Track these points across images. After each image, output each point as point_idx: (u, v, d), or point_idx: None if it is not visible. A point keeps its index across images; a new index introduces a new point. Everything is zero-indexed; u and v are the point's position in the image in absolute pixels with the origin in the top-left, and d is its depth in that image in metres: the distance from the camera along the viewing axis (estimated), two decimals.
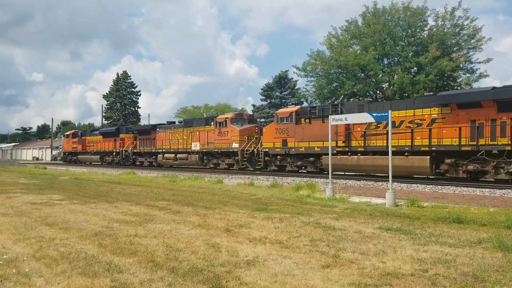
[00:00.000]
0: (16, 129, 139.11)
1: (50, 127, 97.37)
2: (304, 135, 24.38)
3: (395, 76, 34.13)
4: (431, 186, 17.15)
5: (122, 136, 42.51)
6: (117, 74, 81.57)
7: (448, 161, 18.73)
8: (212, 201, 12.92)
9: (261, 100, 64.04)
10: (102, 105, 79.98)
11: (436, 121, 19.18)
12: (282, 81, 62.11)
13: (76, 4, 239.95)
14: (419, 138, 19.55)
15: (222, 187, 17.76)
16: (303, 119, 24.83)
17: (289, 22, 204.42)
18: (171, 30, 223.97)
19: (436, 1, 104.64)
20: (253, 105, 67.64)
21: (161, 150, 36.88)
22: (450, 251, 6.53)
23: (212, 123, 31.77)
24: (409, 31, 35.41)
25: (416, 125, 19.74)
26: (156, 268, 5.66)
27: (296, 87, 59.22)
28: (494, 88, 18.04)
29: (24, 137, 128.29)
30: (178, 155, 34.56)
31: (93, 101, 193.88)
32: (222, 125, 30.62)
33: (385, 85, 36.83)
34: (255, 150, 28.25)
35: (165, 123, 39.72)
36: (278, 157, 26.44)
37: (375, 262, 5.95)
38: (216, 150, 31.02)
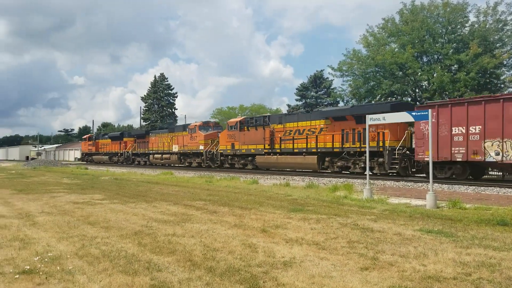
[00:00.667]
0: (59, 131, 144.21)
1: (91, 128, 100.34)
2: (245, 139, 30.87)
3: (434, 74, 33.23)
4: (473, 187, 16.60)
5: (125, 139, 50.54)
6: (155, 76, 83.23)
7: (327, 159, 25.26)
8: (248, 201, 12.96)
9: (296, 100, 63.92)
10: (141, 107, 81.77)
11: (322, 130, 25.55)
12: (317, 80, 61.71)
13: (114, 8, 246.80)
14: (313, 142, 25.85)
15: (257, 187, 17.80)
16: (245, 127, 31.04)
17: (323, 21, 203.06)
18: (206, 32, 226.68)
19: None
20: (288, 105, 67.63)
21: (151, 152, 44.83)
22: (495, 255, 6.29)
23: (187, 129, 38.58)
24: (449, 28, 34.42)
25: (311, 133, 26.09)
26: (194, 267, 5.72)
27: (331, 87, 58.69)
28: (352, 106, 26.49)
29: (66, 138, 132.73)
30: (164, 155, 42.14)
31: (131, 103, 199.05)
32: (193, 131, 37.60)
33: (425, 84, 35.93)
34: (215, 151, 34.98)
35: (157, 128, 49.63)
36: (229, 156, 33.14)
37: (416, 265, 5.81)
38: (189, 151, 38.13)
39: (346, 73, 38.52)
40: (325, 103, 59.59)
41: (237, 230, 8.29)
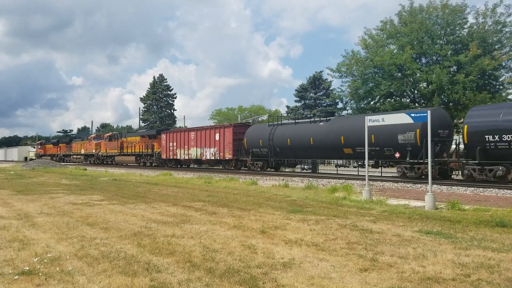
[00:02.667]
0: (58, 131, 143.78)
1: (90, 129, 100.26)
2: (111, 147, 52.17)
3: (433, 75, 33.25)
4: (472, 188, 16.63)
5: (60, 145, 67.36)
6: (154, 77, 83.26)
7: (141, 159, 45.62)
8: (247, 202, 12.97)
9: (295, 101, 63.94)
10: (140, 107, 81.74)
11: (138, 142, 46.13)
12: (316, 82, 61.76)
13: (113, 9, 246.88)
14: (135, 148, 46.37)
15: (256, 188, 17.80)
16: (111, 139, 52.65)
17: (323, 21, 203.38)
18: (205, 33, 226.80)
19: None
20: (287, 107, 67.66)
21: (72, 153, 63.47)
22: (494, 256, 6.31)
23: (88, 139, 59.74)
24: (448, 29, 34.43)
25: (134, 144, 46.58)
26: (193, 268, 5.72)
27: (331, 88, 58.74)
28: (146, 130, 58.09)
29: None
30: (77, 156, 61.38)
31: (130, 103, 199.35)
32: (90, 140, 58.69)
33: (423, 85, 35.94)
34: (99, 153, 54.67)
35: (77, 138, 69.60)
36: (105, 157, 53.30)
37: (415, 266, 5.82)
38: (89, 153, 57.92)
39: (345, 74, 38.52)
40: (324, 104, 59.70)
41: (236, 231, 8.30)
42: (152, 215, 10.46)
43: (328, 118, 27.17)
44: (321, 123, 26.79)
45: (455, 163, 20.57)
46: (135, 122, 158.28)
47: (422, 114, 12.61)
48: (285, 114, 58.73)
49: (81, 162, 59.24)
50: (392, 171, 26.69)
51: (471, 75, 30.91)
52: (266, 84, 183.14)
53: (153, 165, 43.15)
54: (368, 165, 17.08)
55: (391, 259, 6.19)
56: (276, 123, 30.77)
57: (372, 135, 21.32)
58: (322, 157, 30.50)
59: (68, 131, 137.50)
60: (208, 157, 35.65)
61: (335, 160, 35.17)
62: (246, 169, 32.36)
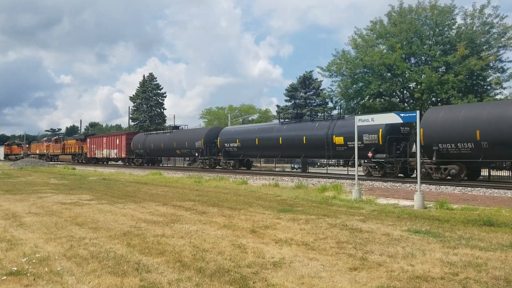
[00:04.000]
0: (46, 131, 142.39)
1: (79, 128, 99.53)
2: (56, 147, 63.38)
3: (422, 76, 33.51)
4: (460, 188, 16.80)
5: (67, 142, 67.28)
6: (143, 76, 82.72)
7: (76, 158, 58.93)
8: (237, 202, 12.97)
9: (286, 101, 64.03)
10: (129, 106, 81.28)
11: (74, 144, 59.04)
12: (306, 81, 61.89)
13: (102, 7, 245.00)
14: (72, 149, 59.43)
15: (246, 188, 17.81)
16: (56, 142, 63.99)
17: (313, 21, 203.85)
18: (195, 32, 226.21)
19: None
20: (278, 106, 67.72)
21: (31, 153, 72.94)
22: (481, 255, 6.38)
23: (41, 141, 72.88)
24: (437, 30, 34.74)
25: (72, 145, 59.58)
26: (183, 268, 5.71)
27: (321, 88, 58.91)
28: (79, 135, 69.58)
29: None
30: (36, 155, 69.89)
31: (119, 102, 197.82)
32: (42, 142, 70.79)
33: (413, 85, 36.21)
34: (49, 153, 65.43)
35: (35, 141, 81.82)
36: (54, 156, 64.42)
37: (404, 265, 5.86)
38: (41, 153, 68.12)
39: (335, 74, 38.66)
40: (314, 104, 59.86)
41: (226, 231, 8.29)
42: (142, 215, 10.41)
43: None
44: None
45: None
46: (124, 121, 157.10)
47: (411, 114, 12.71)
48: (275, 114, 58.75)
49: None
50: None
51: (460, 75, 31.20)
52: (256, 84, 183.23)
53: (83, 162, 56.07)
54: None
55: (381, 258, 6.24)
56: (149, 133, 45.62)
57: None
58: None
59: (57, 130, 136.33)
60: (113, 156, 49.79)
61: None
62: (138, 165, 44.71)
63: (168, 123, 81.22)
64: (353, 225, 8.87)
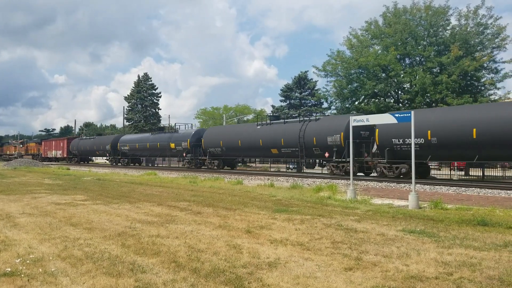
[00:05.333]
0: (40, 131, 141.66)
1: (73, 128, 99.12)
2: (24, 149, 75.13)
3: (416, 77, 33.64)
4: (454, 188, 16.87)
5: (29, 144, 77.15)
6: (138, 76, 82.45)
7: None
8: (232, 202, 12.96)
9: (281, 101, 64.04)
10: (124, 106, 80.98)
11: (34, 147, 72.85)
12: (301, 81, 61.92)
13: (96, 7, 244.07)
14: (33, 150, 72.33)
15: (242, 188, 17.80)
16: (23, 144, 77.53)
17: (308, 21, 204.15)
18: (190, 32, 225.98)
19: (458, 0, 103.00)
20: (273, 106, 67.67)
21: (3, 154, 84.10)
22: (475, 254, 6.41)
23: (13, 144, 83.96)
24: (431, 31, 34.88)
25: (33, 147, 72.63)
26: (178, 269, 5.70)
27: (316, 88, 58.96)
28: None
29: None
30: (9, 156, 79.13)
31: (114, 102, 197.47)
32: (14, 144, 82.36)
33: (407, 86, 36.34)
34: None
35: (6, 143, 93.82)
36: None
37: (399, 265, 5.88)
38: (18, 154, 75.65)
39: (330, 74, 38.73)
40: (310, 104, 59.90)
41: (221, 231, 8.28)
42: (137, 215, 10.38)
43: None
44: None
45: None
46: (119, 121, 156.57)
47: (406, 115, 12.77)
48: (270, 114, 58.82)
49: (7, 160, 75.57)
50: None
51: (454, 75, 31.33)
52: (251, 84, 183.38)
53: (39, 160, 61.61)
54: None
55: (375, 258, 6.25)
56: (82, 138, 58.96)
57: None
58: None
59: (51, 130, 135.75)
60: (58, 156, 62.40)
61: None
62: (75, 162, 57.58)
63: (163, 123, 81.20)
64: (348, 225, 8.89)
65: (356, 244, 7.10)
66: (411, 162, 12.33)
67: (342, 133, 23.87)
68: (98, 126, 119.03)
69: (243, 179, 22.39)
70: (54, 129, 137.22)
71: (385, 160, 21.68)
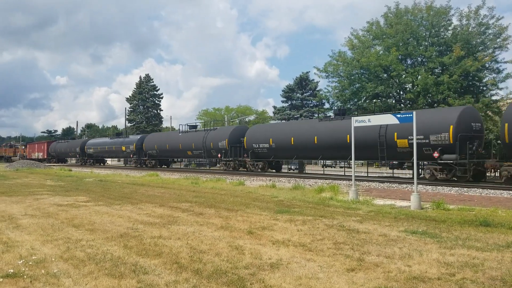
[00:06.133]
0: (42, 132, 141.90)
1: (75, 129, 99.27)
2: (12, 151, 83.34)
3: (418, 77, 33.58)
4: (456, 188, 16.85)
5: (17, 148, 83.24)
6: (140, 77, 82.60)
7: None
8: (234, 203, 12.96)
9: (282, 102, 64.02)
10: (126, 108, 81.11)
11: (22, 149, 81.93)
12: (303, 82, 61.91)
13: (97, 8, 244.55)
14: (21, 152, 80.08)
15: (243, 189, 17.80)
16: (12, 147, 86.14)
17: (309, 22, 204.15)
18: (191, 33, 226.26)
19: (460, 0, 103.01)
20: (274, 107, 67.67)
21: (12, 155, 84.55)
22: (478, 255, 6.40)
23: (11, 146, 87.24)
24: (433, 31, 34.80)
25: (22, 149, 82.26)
26: (180, 270, 5.70)
27: (317, 89, 58.94)
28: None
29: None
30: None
31: (116, 103, 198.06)
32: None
33: (409, 86, 36.27)
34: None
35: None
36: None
37: (401, 265, 5.88)
38: (9, 156, 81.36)
39: (332, 75, 38.68)
40: (311, 105, 59.88)
41: (223, 232, 8.29)
42: (139, 216, 10.39)
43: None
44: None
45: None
46: (121, 122, 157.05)
47: (408, 115, 12.77)
48: (272, 115, 58.87)
49: None
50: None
51: (455, 75, 31.27)
52: (253, 85, 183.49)
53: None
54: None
55: (378, 259, 6.25)
56: (59, 142, 69.88)
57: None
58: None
59: (53, 131, 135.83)
60: (40, 157, 69.35)
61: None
62: (54, 162, 65.28)
63: (165, 124, 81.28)
64: (350, 226, 8.88)
65: (358, 245, 7.10)
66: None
67: (227, 140, 32.43)
68: (100, 127, 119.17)
69: (245, 180, 22.39)
70: (56, 131, 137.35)
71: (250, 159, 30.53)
